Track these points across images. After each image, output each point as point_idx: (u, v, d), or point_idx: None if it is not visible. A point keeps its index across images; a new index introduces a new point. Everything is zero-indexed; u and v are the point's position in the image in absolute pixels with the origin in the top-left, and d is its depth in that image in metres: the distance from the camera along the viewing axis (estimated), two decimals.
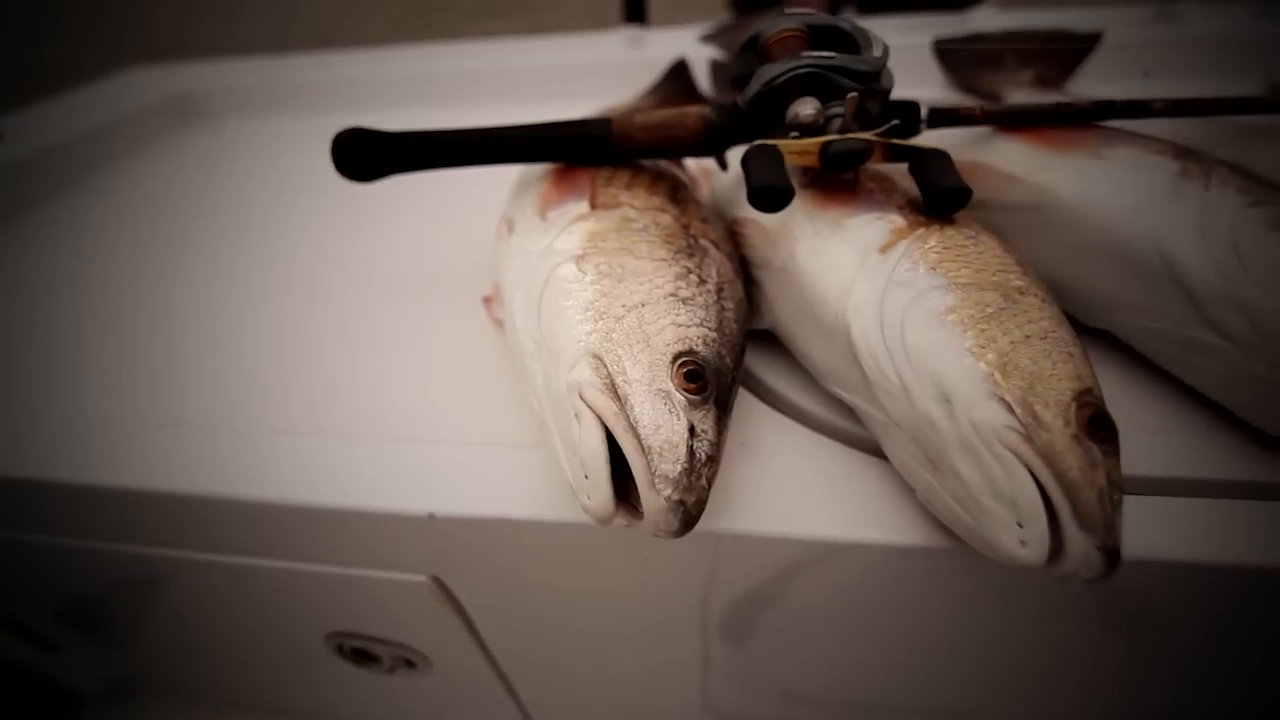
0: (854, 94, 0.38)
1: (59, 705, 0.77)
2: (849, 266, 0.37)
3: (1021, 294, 0.34)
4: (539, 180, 0.48)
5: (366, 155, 0.46)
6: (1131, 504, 0.32)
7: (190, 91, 0.98)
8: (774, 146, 0.38)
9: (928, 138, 0.47)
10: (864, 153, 0.39)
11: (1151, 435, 0.37)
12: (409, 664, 0.56)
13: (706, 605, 0.43)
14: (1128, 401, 0.39)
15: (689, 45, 0.87)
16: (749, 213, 0.41)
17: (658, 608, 0.45)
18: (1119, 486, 0.29)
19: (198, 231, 0.71)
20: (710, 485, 0.31)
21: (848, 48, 0.41)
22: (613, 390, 0.31)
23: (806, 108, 0.39)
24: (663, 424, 0.30)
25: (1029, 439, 0.29)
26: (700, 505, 0.30)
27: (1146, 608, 0.37)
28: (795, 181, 0.39)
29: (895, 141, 0.39)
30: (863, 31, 0.42)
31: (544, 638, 0.51)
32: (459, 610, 0.47)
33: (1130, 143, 0.41)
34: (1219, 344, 0.34)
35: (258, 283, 0.62)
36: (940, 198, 0.37)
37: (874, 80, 0.40)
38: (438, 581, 0.44)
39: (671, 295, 0.36)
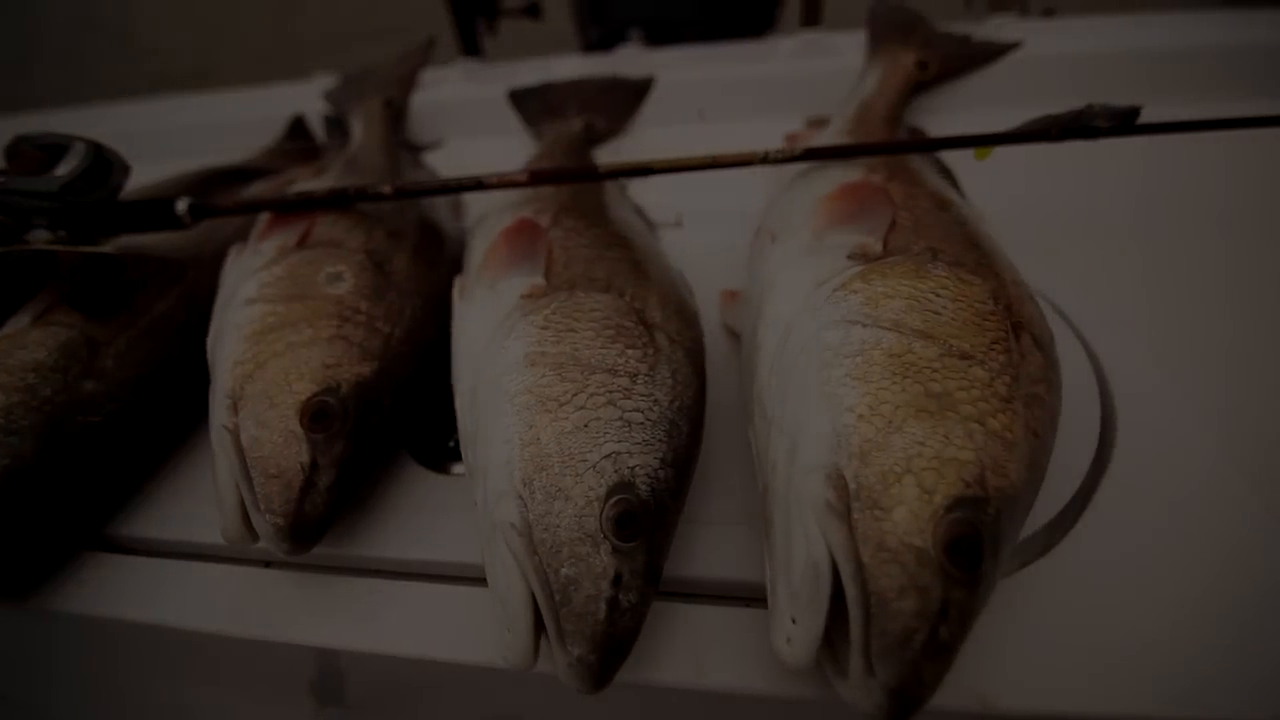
0: None
1: None
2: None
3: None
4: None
5: None
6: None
7: None
8: None
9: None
10: (41, 259, 0.46)
11: None
12: None
13: None
14: None
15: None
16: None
17: None
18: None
19: None
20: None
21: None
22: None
23: None
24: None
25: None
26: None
27: None
28: None
29: (70, 249, 0.47)
30: (77, 151, 0.49)
31: None
32: None
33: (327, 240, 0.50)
34: None
35: None
36: (73, 300, 0.45)
37: (67, 195, 0.47)
38: None
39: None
